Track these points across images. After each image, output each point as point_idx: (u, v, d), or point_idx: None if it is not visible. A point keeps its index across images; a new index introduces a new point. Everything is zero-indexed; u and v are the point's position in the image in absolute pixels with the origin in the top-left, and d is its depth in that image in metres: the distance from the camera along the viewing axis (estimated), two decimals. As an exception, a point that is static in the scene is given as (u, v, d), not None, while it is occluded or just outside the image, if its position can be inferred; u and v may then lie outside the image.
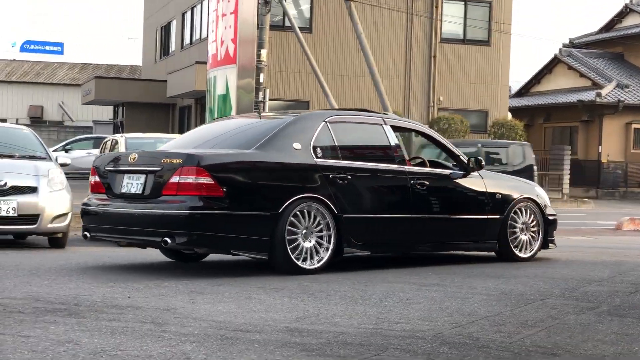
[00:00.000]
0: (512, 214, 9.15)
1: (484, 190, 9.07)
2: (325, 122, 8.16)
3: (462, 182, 8.98)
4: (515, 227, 9.13)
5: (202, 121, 26.51)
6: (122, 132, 28.40)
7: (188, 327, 4.88)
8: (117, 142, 15.81)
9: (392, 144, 8.65)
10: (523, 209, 9.29)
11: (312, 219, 7.57)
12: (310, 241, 7.55)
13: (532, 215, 9.34)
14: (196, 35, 32.99)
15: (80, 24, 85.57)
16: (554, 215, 9.66)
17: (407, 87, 31.72)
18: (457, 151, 9.19)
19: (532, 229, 9.34)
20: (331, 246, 7.67)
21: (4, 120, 27.58)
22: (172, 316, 5.27)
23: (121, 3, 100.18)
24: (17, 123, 26.31)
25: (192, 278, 7.14)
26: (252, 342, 4.52)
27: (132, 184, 7.49)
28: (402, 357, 4.24)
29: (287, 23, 26.81)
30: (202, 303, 5.83)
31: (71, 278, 7.10)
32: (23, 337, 4.49)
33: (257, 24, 20.37)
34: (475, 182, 9.05)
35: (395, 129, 8.93)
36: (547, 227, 9.47)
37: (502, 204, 9.16)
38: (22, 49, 53.48)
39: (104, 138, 20.31)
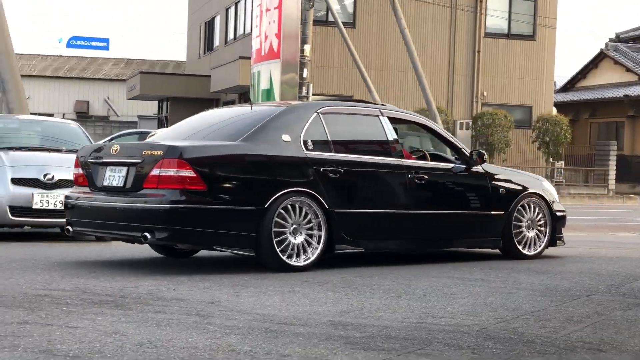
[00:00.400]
0: (517, 210, 8.86)
1: (487, 184, 8.81)
2: (318, 113, 7.90)
3: (464, 176, 8.70)
4: (520, 224, 8.84)
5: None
6: (166, 127, 28.67)
7: (232, 320, 4.92)
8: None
9: (389, 136, 8.35)
10: (529, 205, 8.99)
11: (301, 214, 7.33)
12: (299, 237, 7.30)
13: (539, 211, 9.03)
14: (240, 31, 33.16)
15: (126, 20, 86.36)
16: (562, 211, 9.34)
17: (450, 82, 31.61)
18: (460, 144, 8.95)
19: (539, 226, 9.04)
20: (322, 242, 7.42)
21: (51, 115, 27.95)
22: (216, 309, 5.31)
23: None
24: (63, 118, 26.67)
25: (236, 272, 7.17)
26: (297, 335, 4.55)
27: (114, 177, 7.26)
28: (446, 352, 4.24)
29: (331, 18, 26.87)
30: (246, 296, 5.87)
31: (117, 270, 7.19)
32: (71, 328, 4.57)
33: (300, 19, 20.41)
34: (477, 176, 8.77)
35: (393, 120, 8.59)
36: (555, 223, 9.14)
37: (506, 199, 8.86)
38: (69, 45, 54.25)
39: (149, 133, 20.53)
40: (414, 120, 9.15)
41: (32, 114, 14.43)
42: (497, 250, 9.04)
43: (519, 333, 4.79)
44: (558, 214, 9.19)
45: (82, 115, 45.79)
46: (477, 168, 8.73)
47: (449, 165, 8.72)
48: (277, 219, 7.11)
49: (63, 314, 5.03)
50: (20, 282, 6.33)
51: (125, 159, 7.22)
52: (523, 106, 32.56)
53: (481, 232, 8.85)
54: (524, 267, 8.22)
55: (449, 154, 9.48)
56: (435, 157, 9.15)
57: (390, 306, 5.62)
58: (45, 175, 9.91)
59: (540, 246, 9.04)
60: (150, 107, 44.32)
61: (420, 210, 8.28)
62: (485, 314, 5.40)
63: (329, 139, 7.83)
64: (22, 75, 14.61)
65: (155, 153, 6.88)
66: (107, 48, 56.26)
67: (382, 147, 8.33)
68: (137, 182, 6.99)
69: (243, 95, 30.95)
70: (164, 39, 72.56)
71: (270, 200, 7.07)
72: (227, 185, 7.14)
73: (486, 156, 8.85)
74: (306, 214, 7.35)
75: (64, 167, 10.03)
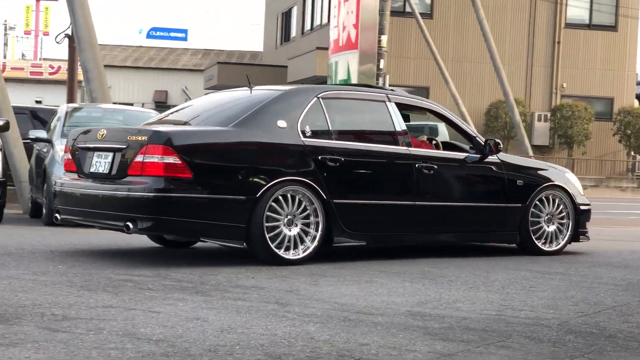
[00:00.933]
0: (535, 203, 8.37)
1: (502, 175, 8.33)
2: (318, 97, 7.51)
3: (478, 166, 8.28)
4: (539, 217, 8.37)
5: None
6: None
7: (311, 308, 4.97)
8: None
9: (396, 122, 7.91)
10: (549, 198, 8.48)
11: (296, 205, 6.96)
12: (294, 229, 6.95)
13: (561, 205, 8.51)
14: (317, 21, 33.34)
15: (205, 11, 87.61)
16: (587, 204, 8.74)
17: (528, 73, 31.28)
18: (474, 132, 8.58)
19: (560, 220, 8.52)
20: (319, 234, 7.05)
21: (131, 104, 28.56)
22: (295, 297, 5.37)
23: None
24: (142, 107, 27.25)
25: (313, 261, 7.17)
26: (375, 324, 4.56)
27: (100, 163, 6.95)
28: (526, 345, 4.21)
29: (408, 9, 26.79)
30: (325, 285, 5.92)
31: (197, 258, 7.34)
32: (153, 313, 4.68)
33: (378, 10, 20.40)
34: (492, 166, 8.30)
35: (402, 106, 8.14)
36: (579, 217, 8.57)
37: (523, 191, 8.38)
38: (149, 36, 55.28)
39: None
40: (424, 106, 8.77)
41: (113, 103, 14.77)
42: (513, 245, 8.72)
43: (601, 327, 4.72)
44: (582, 207, 8.62)
45: (161, 104, 46.42)
46: (493, 158, 8.26)
47: (462, 155, 8.29)
48: (269, 209, 6.79)
49: (145, 298, 5.15)
50: (104, 267, 6.53)
51: (111, 144, 6.93)
52: (604, 98, 32.05)
53: (496, 226, 8.42)
54: (604, 261, 8.12)
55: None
56: (449, 147, 8.84)
57: (469, 298, 5.60)
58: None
59: (561, 242, 8.53)
60: (227, 97, 44.76)
61: (429, 202, 7.90)
62: (565, 307, 5.34)
63: (329, 125, 7.49)
64: (104, 66, 14.96)
65: (140, 138, 6.59)
66: (185, 39, 57.14)
67: (389, 134, 7.94)
68: (122, 168, 6.70)
69: (319, 86, 31.05)
70: (241, 29, 73.40)
71: (262, 190, 6.74)
72: (215, 173, 6.82)
73: (501, 145, 8.36)
74: (301, 204, 7.00)
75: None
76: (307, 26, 35.08)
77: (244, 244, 6.75)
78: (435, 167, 7.85)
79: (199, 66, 47.27)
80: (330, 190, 7.07)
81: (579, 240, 8.65)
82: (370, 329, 4.44)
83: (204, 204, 6.63)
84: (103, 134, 7.04)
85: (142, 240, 8.51)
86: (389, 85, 21.95)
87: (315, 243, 7.04)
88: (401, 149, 7.75)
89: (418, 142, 8.23)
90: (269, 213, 6.74)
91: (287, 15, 39.12)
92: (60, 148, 10.53)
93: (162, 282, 5.81)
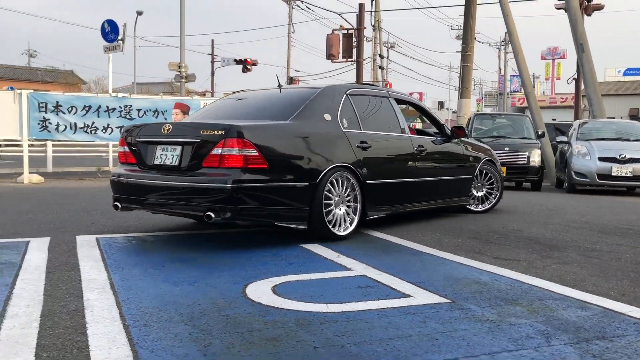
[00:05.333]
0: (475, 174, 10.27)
1: (462, 153, 9.98)
2: (346, 94, 8.13)
3: (447, 146, 9.69)
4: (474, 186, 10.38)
5: None
6: None
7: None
8: None
9: (398, 114, 8.88)
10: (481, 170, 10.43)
11: (343, 187, 7.55)
12: (341, 208, 7.55)
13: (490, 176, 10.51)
14: None
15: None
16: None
17: None
18: (442, 122, 9.89)
19: (490, 187, 10.59)
20: (358, 212, 7.72)
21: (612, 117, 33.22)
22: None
23: None
24: (620, 119, 31.68)
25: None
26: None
27: (167, 156, 7.03)
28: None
29: None
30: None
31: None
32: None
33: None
34: (456, 146, 9.89)
35: (397, 101, 9.10)
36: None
37: (471, 166, 10.14)
38: (625, 74, 62.34)
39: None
40: (410, 101, 9.64)
41: (608, 117, 19.99)
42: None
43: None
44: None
45: (634, 117, 51.86)
46: (455, 141, 9.86)
47: (440, 139, 9.65)
48: (326, 192, 7.27)
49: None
50: (613, 222, 9.13)
51: (179, 138, 6.95)
52: None
53: (458, 193, 9.97)
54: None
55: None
56: (419, 133, 10.21)
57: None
58: (620, 155, 15.35)
59: (487, 205, 10.61)
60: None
61: (423, 178, 8.99)
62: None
63: (358, 117, 8.10)
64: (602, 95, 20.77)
65: (217, 132, 6.62)
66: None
67: (394, 124, 8.80)
68: (195, 161, 6.75)
69: None
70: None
71: (321, 176, 7.18)
72: (284, 162, 6.93)
73: (464, 131, 9.94)
74: (345, 186, 7.60)
75: (633, 150, 15.50)
76: None
77: (306, 224, 7.14)
78: (424, 149, 9.06)
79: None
80: (363, 173, 7.75)
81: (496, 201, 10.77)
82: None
83: (276, 191, 6.78)
84: (169, 129, 7.06)
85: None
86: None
87: (357, 218, 7.75)
88: (405, 136, 8.84)
89: (410, 129, 9.39)
90: (325, 195, 7.26)
91: None
92: (576, 146, 16.11)
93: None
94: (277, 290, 5.01)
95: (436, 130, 9.94)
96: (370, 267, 5.91)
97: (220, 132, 6.59)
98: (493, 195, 10.61)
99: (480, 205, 10.45)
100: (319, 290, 5.00)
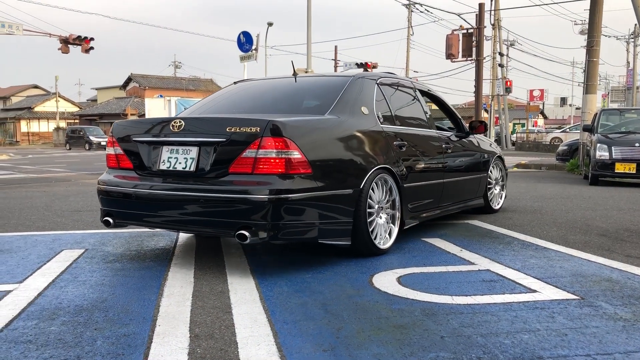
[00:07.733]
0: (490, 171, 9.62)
1: (479, 150, 9.28)
2: (377, 83, 7.05)
3: (466, 143, 8.92)
4: (490, 184, 9.67)
5: None
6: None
7: None
8: None
9: (425, 108, 7.95)
10: (495, 166, 9.83)
11: (383, 192, 6.47)
12: (382, 216, 6.45)
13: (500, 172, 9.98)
14: None
15: None
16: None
17: None
18: (459, 116, 9.15)
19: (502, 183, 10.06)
20: (397, 220, 6.65)
21: None
22: None
23: None
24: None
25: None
26: None
27: (179, 159, 5.72)
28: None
29: None
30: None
31: None
32: None
33: None
34: (473, 143, 9.16)
35: (421, 93, 8.19)
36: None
37: (485, 163, 9.41)
38: None
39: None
40: (431, 93, 8.55)
41: None
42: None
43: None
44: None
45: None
46: (471, 137, 9.13)
47: (453, 134, 8.70)
48: (369, 200, 6.16)
49: None
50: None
51: (196, 136, 5.64)
52: None
53: (476, 193, 9.23)
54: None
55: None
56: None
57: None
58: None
59: (501, 200, 10.02)
60: None
61: (450, 179, 8.13)
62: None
63: (391, 110, 7.06)
64: None
65: (249, 130, 5.36)
66: None
67: (424, 119, 7.87)
68: (218, 165, 5.49)
69: None
70: None
71: (365, 180, 6.08)
72: (330, 166, 5.72)
73: (484, 126, 9.20)
74: (385, 191, 6.51)
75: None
76: None
77: (349, 239, 5.96)
78: (450, 146, 8.21)
79: None
80: (401, 175, 6.71)
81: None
82: None
83: (322, 201, 5.57)
84: (180, 125, 5.75)
85: None
86: None
87: (397, 227, 6.66)
88: (434, 132, 7.94)
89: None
90: (368, 203, 6.15)
91: None
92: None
93: None
94: (402, 280, 5.20)
95: (451, 125, 9.07)
96: (494, 262, 6.01)
97: (254, 129, 5.34)
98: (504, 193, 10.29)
99: (496, 204, 9.97)
100: (443, 283, 5.14)
